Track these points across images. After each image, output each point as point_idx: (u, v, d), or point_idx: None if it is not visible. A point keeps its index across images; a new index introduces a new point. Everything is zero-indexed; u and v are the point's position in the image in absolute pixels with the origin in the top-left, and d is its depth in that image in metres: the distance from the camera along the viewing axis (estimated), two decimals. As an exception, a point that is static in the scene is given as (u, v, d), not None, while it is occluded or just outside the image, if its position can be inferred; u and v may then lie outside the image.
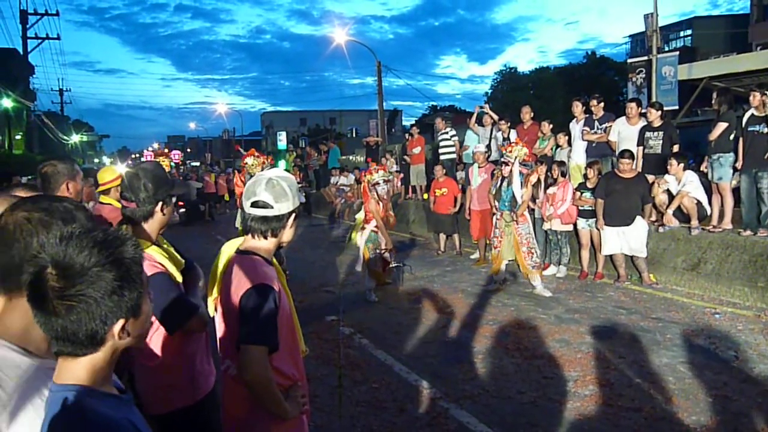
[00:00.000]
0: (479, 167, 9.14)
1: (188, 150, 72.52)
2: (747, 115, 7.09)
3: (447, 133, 12.32)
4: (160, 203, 2.40)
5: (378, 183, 7.33)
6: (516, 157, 7.37)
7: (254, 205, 2.20)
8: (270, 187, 2.19)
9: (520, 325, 6.18)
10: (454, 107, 56.75)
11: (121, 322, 1.14)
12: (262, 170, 6.58)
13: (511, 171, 7.41)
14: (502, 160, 7.59)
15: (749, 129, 6.96)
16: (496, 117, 10.88)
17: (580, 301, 6.97)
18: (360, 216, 7.76)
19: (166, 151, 28.47)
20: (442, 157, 12.12)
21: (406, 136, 16.04)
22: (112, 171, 4.53)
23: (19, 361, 1.25)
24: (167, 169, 9.24)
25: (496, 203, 7.64)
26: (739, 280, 6.77)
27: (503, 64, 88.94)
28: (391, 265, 7.79)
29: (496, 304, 7.02)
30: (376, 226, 7.40)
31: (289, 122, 62.20)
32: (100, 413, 1.10)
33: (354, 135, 46.99)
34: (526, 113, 10.31)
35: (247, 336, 2.06)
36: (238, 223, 7.69)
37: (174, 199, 2.58)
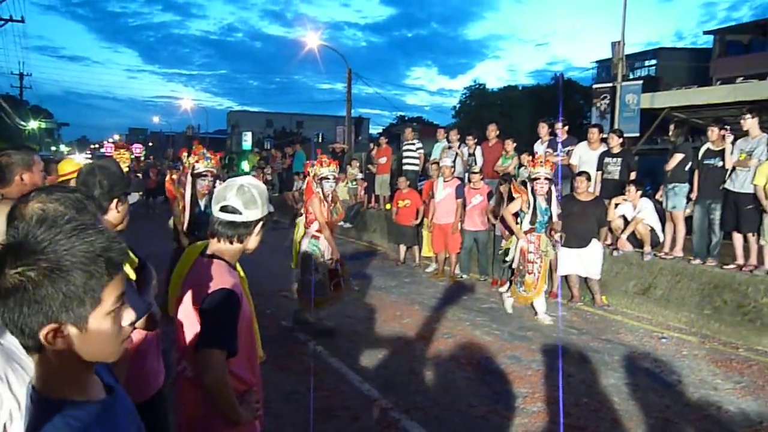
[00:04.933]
0: (445, 181, 9.24)
1: (150, 144, 71.19)
2: (703, 148, 7.34)
3: (413, 144, 12.38)
4: (115, 201, 2.41)
5: (327, 178, 6.39)
6: (552, 175, 6.94)
7: (223, 209, 2.22)
8: (240, 194, 2.21)
9: (473, 340, 6.26)
10: (422, 119, 57.16)
11: (51, 326, 1.02)
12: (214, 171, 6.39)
13: (550, 189, 6.96)
14: (534, 176, 6.93)
15: (705, 162, 7.21)
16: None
17: (534, 319, 7.09)
18: (300, 219, 6.73)
19: (125, 143, 27.94)
20: (405, 168, 12.18)
21: (372, 145, 16.08)
22: (74, 163, 4.45)
23: None
24: (128, 162, 9.06)
25: (526, 225, 7.00)
26: (687, 306, 6.98)
27: (473, 79, 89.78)
28: (340, 279, 6.64)
29: (451, 318, 7.10)
30: (318, 230, 6.37)
31: (256, 123, 61.69)
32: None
33: (321, 140, 46.93)
34: (492, 131, 10.46)
35: (207, 339, 2.07)
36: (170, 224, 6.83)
37: (131, 198, 2.59)
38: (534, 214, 6.95)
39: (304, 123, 64.14)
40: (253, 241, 2.29)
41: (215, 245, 2.26)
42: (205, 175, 6.30)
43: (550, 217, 7.04)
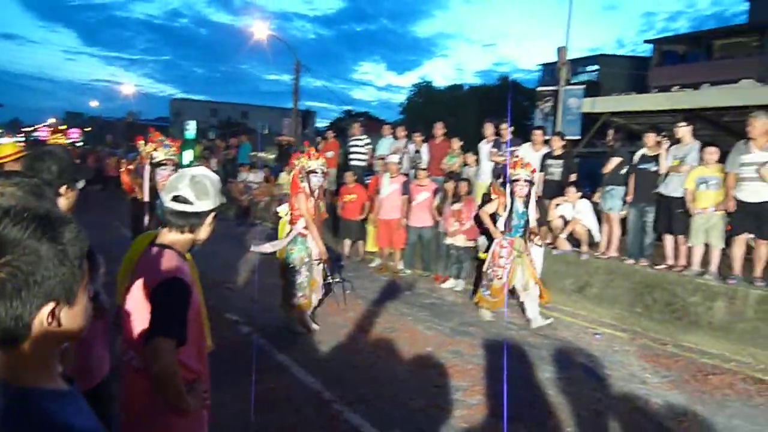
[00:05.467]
0: (391, 177, 9.32)
1: (87, 129, 68.87)
2: (639, 153, 7.66)
3: (361, 139, 12.40)
4: (64, 187, 2.38)
5: (315, 171, 6.03)
6: (532, 177, 6.83)
7: (175, 199, 2.22)
8: (193, 184, 2.22)
9: (416, 335, 6.36)
10: (369, 114, 57.18)
11: (50, 305, 1.05)
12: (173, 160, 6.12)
13: (529, 192, 6.82)
14: (514, 178, 6.77)
15: (639, 167, 7.52)
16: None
17: (475, 315, 7.25)
18: (283, 210, 6.37)
19: (64, 128, 26.90)
20: (352, 163, 12.21)
21: (319, 138, 16.04)
22: (13, 146, 4.32)
23: None
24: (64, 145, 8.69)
25: (500, 228, 6.85)
26: (619, 304, 7.29)
27: (420, 76, 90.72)
28: (328, 281, 6.56)
29: (394, 312, 7.18)
30: (305, 228, 6.09)
31: (200, 111, 60.36)
32: (59, 422, 1.07)
33: (267, 132, 46.39)
34: (439, 129, 10.60)
35: (157, 328, 2.06)
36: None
37: (79, 184, 2.56)
38: (510, 217, 6.83)
39: (250, 114, 63.30)
40: (204, 232, 2.30)
41: (166, 235, 2.26)
42: (165, 164, 5.91)
43: (527, 221, 6.86)
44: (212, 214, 2.29)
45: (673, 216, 7.03)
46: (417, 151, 10.48)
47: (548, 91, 17.96)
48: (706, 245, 6.80)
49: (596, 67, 40.14)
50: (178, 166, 5.87)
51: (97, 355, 2.46)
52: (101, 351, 2.50)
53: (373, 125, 28.72)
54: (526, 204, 6.83)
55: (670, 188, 7.08)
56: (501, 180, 8.13)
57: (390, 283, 8.74)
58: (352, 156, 12.43)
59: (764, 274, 6.41)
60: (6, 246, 1.01)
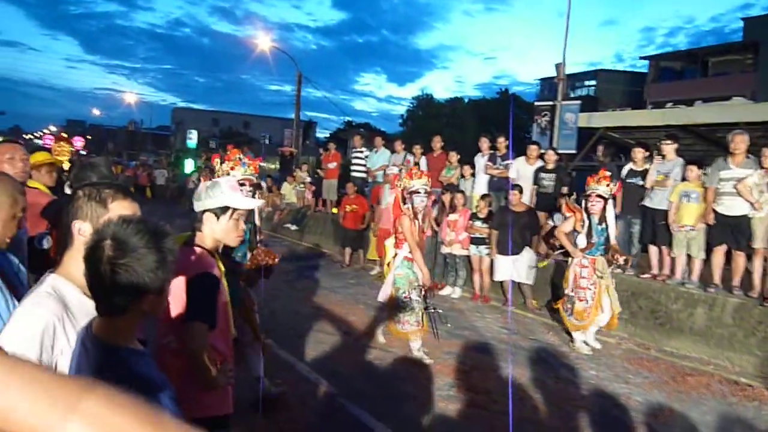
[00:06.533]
0: (390, 188, 9.71)
1: (89, 137, 69.35)
2: (626, 168, 8.06)
3: (362, 151, 12.79)
4: None
5: (418, 192, 5.72)
6: (610, 192, 6.60)
7: (196, 200, 2.62)
8: (211, 186, 2.61)
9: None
10: (369, 125, 57.67)
11: (150, 297, 1.47)
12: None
13: (604, 208, 6.53)
14: (589, 193, 6.52)
15: (627, 181, 7.92)
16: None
17: (471, 320, 7.62)
18: (389, 242, 6.17)
19: (65, 135, 27.15)
20: (353, 174, 12.59)
21: (321, 150, 16.45)
22: (44, 154, 4.67)
23: (89, 305, 1.59)
24: (68, 155, 8.78)
25: (582, 245, 6.52)
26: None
27: (421, 88, 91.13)
28: (428, 309, 6.12)
29: (394, 317, 7.54)
30: (410, 252, 5.82)
31: (201, 121, 60.96)
32: (138, 372, 1.47)
33: (269, 142, 46.84)
34: (437, 142, 11.01)
35: (192, 313, 2.44)
36: None
37: None
38: (590, 233, 6.49)
39: (252, 124, 63.84)
40: (220, 233, 2.63)
41: (197, 236, 2.65)
42: (243, 184, 5.06)
43: (607, 238, 6.57)
44: (228, 213, 2.60)
45: (658, 228, 7.43)
46: (416, 164, 10.88)
47: (545, 105, 18.37)
48: (689, 256, 7.20)
49: (594, 82, 40.70)
50: (257, 186, 5.30)
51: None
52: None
53: (373, 137, 29.14)
54: (604, 219, 6.54)
55: (655, 201, 7.48)
56: (574, 196, 7.97)
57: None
58: (353, 167, 12.82)
59: (741, 284, 6.79)
60: (127, 249, 1.42)
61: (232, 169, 5.15)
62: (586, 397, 5.25)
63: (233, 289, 2.88)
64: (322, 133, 55.11)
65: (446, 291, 9.04)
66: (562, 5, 17.07)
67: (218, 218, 2.61)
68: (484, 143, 10.08)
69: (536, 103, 19.99)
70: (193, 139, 47.43)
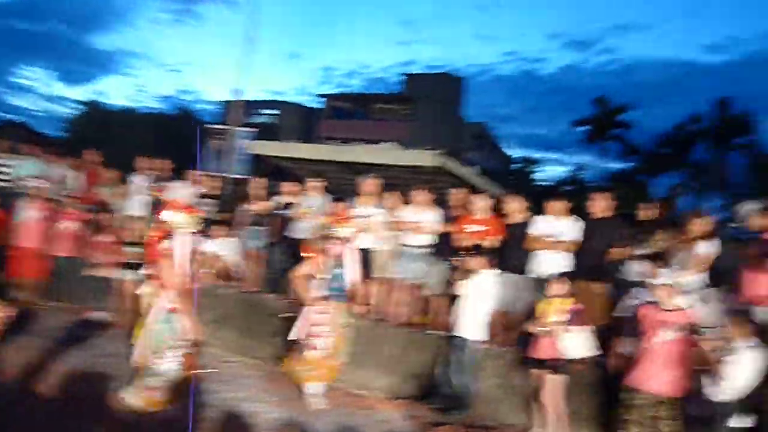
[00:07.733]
0: (30, 203, 8.77)
1: None
2: (279, 199, 8.80)
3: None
4: None
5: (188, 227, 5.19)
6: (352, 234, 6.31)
7: None
8: None
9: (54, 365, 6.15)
10: (27, 125, 50.67)
11: None
12: None
13: (343, 252, 6.20)
14: (329, 234, 6.19)
15: (277, 212, 8.66)
16: None
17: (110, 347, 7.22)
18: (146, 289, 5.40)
19: None
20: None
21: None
22: None
23: None
24: None
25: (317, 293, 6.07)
26: (257, 336, 7.99)
27: (96, 91, 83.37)
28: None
29: (27, 347, 6.73)
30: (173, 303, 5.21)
31: None
32: None
33: None
34: (93, 155, 10.41)
35: None
36: None
37: None
38: (326, 279, 6.11)
39: None
40: None
41: None
42: None
43: (344, 285, 6.21)
44: None
45: (297, 255, 8.11)
46: (66, 177, 10.07)
47: (217, 129, 18.59)
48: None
49: (276, 111, 42.38)
50: None
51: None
52: None
53: (33, 140, 25.84)
54: (343, 264, 6.22)
55: (297, 231, 8.21)
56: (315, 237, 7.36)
57: (27, 316, 8.17)
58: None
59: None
60: None
61: None
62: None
63: None
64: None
65: (95, 315, 8.46)
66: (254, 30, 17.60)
67: None
68: (142, 162, 9.85)
69: (207, 126, 20.04)
70: None
